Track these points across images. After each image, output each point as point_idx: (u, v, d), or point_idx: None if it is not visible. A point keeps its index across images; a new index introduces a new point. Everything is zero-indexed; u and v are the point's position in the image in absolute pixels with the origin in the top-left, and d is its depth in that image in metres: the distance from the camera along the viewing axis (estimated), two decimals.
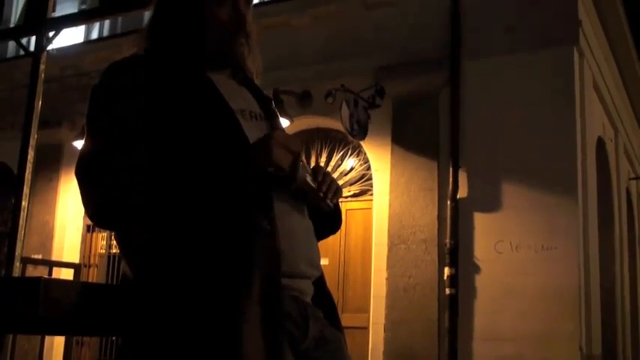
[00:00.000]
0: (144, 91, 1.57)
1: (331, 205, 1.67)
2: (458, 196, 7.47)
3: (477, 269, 7.30)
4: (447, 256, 7.35)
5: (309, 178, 1.63)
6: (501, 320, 7.04)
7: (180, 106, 1.56)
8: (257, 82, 1.83)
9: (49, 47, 6.66)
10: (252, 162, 1.50)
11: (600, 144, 9.22)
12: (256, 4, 7.46)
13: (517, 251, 7.13)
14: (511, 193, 7.30)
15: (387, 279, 7.63)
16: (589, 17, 8.30)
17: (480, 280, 7.27)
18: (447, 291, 7.28)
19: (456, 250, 7.35)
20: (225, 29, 1.70)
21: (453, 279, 7.28)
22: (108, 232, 9.37)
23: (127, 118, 1.52)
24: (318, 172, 1.67)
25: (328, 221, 1.77)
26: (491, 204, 7.37)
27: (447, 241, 7.38)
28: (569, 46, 7.45)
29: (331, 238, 1.91)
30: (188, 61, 1.68)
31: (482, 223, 7.38)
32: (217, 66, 1.72)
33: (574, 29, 7.48)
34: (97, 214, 1.51)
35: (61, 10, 9.64)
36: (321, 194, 1.64)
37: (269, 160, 1.50)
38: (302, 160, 1.59)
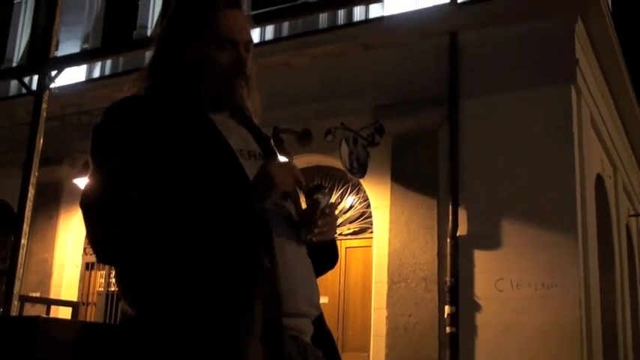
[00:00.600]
0: (144, 129, 1.58)
1: (306, 238, 1.65)
2: (458, 234, 7.46)
3: (477, 307, 7.25)
4: (447, 294, 7.31)
5: (323, 203, 1.64)
6: (503, 359, 6.98)
7: (180, 144, 1.58)
8: (256, 121, 1.85)
9: (51, 86, 6.71)
10: (257, 196, 1.52)
11: (599, 181, 9.23)
12: (257, 44, 7.50)
13: (517, 289, 7.10)
14: (511, 230, 7.29)
15: (387, 317, 7.57)
16: (586, 56, 8.38)
17: (480, 319, 7.22)
18: (448, 329, 7.22)
19: (456, 288, 7.31)
20: (225, 73, 1.72)
21: (454, 317, 7.23)
22: (107, 269, 9.33)
23: (128, 155, 1.55)
24: (329, 206, 1.69)
25: (323, 254, 1.76)
26: (491, 242, 7.35)
27: (447, 279, 7.35)
28: (566, 84, 7.51)
29: (331, 276, 1.90)
30: (188, 101, 1.70)
31: (482, 261, 7.36)
32: (217, 106, 1.74)
33: (572, 68, 7.55)
34: (99, 248, 1.53)
35: (64, 50, 9.73)
36: (313, 225, 1.64)
37: (273, 187, 1.53)
38: (325, 189, 1.62)
